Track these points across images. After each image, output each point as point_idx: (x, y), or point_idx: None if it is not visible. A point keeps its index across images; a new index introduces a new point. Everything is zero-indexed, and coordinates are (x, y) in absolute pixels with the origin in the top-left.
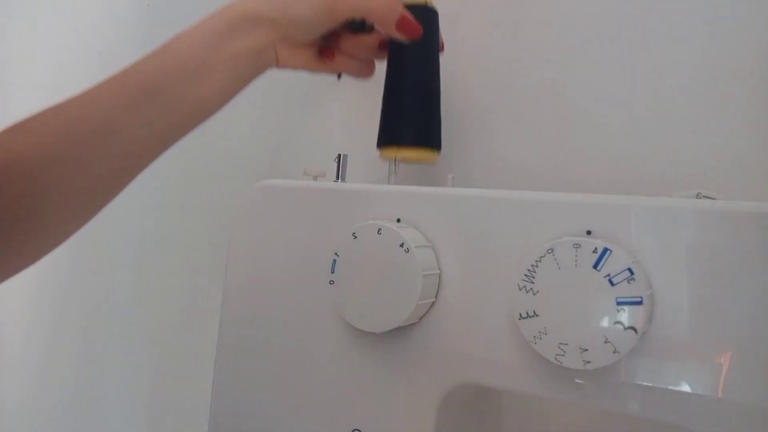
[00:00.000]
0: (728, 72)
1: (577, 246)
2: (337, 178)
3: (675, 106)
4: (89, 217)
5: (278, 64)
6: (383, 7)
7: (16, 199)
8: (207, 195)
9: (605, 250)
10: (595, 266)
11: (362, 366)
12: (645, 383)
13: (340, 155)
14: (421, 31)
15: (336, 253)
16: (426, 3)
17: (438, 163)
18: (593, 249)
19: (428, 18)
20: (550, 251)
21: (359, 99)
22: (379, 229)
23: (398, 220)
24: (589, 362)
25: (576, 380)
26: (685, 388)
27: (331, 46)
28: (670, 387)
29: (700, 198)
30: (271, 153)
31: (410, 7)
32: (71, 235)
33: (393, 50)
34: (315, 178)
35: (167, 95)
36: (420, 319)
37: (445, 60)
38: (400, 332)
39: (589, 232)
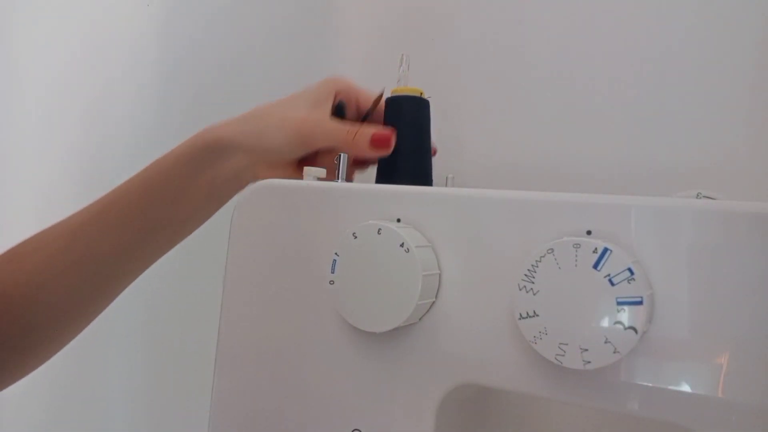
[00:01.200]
0: (729, 72)
1: (577, 246)
2: (337, 178)
3: (675, 105)
4: (76, 333)
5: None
6: (351, 138)
7: (10, 323)
8: None
9: (605, 250)
10: (595, 266)
11: (362, 366)
12: (645, 383)
13: (340, 155)
14: (392, 144)
15: (336, 253)
16: (421, 94)
17: (436, 163)
18: (593, 249)
19: (420, 108)
20: (550, 251)
21: None
22: (379, 229)
23: (398, 220)
24: (589, 362)
25: None
26: (685, 388)
27: (310, 158)
28: (670, 387)
29: (700, 198)
30: None
31: (403, 98)
32: (60, 350)
33: None
34: (315, 177)
35: (145, 222)
36: (420, 319)
37: (445, 58)
38: (400, 332)
39: (589, 232)
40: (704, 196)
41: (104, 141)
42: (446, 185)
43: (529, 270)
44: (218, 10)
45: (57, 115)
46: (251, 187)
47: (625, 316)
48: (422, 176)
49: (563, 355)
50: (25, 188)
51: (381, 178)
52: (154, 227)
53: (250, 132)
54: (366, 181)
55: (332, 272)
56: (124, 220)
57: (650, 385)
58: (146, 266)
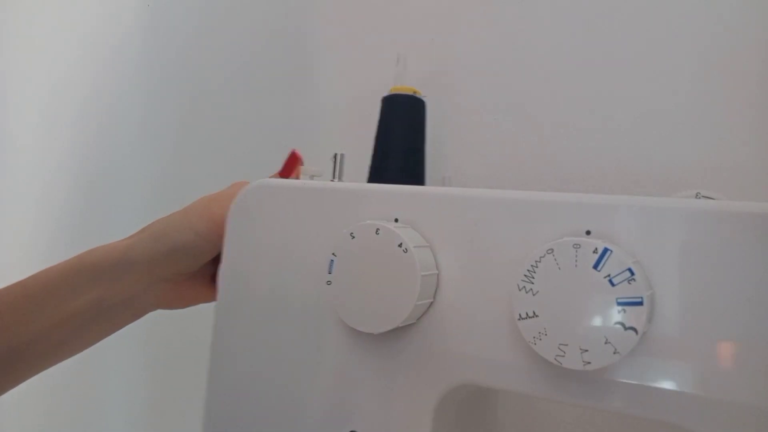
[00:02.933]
0: (729, 72)
1: (577, 246)
2: (334, 177)
3: (675, 105)
4: None
5: (163, 305)
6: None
7: None
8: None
9: (605, 250)
10: (595, 266)
11: (359, 367)
12: (645, 383)
13: (336, 154)
14: (296, 158)
15: (333, 253)
16: (414, 92)
17: (435, 163)
18: (593, 249)
19: (415, 107)
20: (550, 251)
21: (355, 97)
22: (377, 229)
23: (396, 220)
24: (589, 363)
25: None
26: (685, 388)
27: None
28: (670, 387)
29: (699, 198)
30: (267, 152)
31: (398, 97)
32: None
33: (380, 134)
34: (311, 177)
35: (13, 338)
36: (418, 319)
37: (441, 55)
38: (397, 333)
39: (588, 232)
40: (703, 196)
41: (104, 140)
42: (443, 184)
43: (528, 270)
44: (219, 11)
45: (56, 115)
46: (246, 187)
47: (625, 316)
48: (415, 175)
49: (563, 356)
50: (23, 189)
51: (373, 177)
52: (23, 343)
53: (147, 240)
54: (359, 180)
55: (329, 272)
56: None
57: (650, 385)
58: (16, 383)
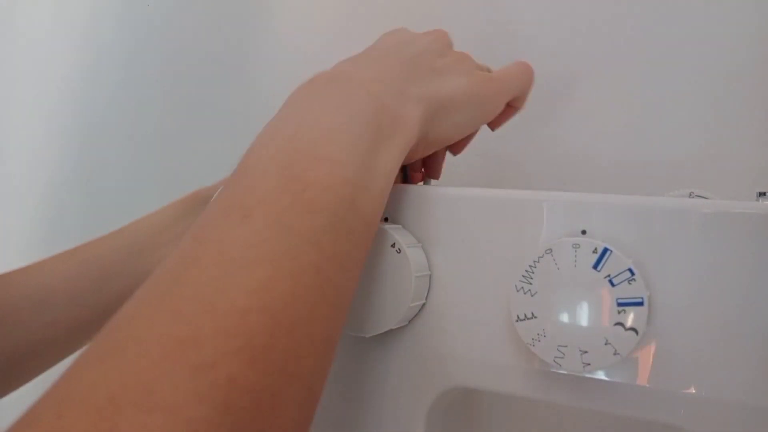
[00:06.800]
0: (725, 72)
1: (576, 246)
2: None
3: (670, 104)
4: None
5: None
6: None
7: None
8: None
9: (605, 250)
10: (595, 266)
11: (349, 371)
12: (645, 384)
13: None
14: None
15: None
16: None
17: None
18: (593, 249)
19: None
20: (548, 251)
21: None
22: None
23: (386, 219)
24: (588, 364)
25: None
26: (685, 388)
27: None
28: (670, 387)
29: (692, 197)
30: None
31: None
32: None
33: None
34: None
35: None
36: (409, 322)
37: None
38: (388, 336)
39: (584, 232)
40: (697, 195)
41: (104, 139)
42: (423, 182)
43: (526, 271)
44: (217, 10)
45: (55, 114)
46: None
47: (625, 317)
48: None
49: (562, 358)
50: (25, 188)
51: None
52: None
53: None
54: None
55: None
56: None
57: (650, 385)
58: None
